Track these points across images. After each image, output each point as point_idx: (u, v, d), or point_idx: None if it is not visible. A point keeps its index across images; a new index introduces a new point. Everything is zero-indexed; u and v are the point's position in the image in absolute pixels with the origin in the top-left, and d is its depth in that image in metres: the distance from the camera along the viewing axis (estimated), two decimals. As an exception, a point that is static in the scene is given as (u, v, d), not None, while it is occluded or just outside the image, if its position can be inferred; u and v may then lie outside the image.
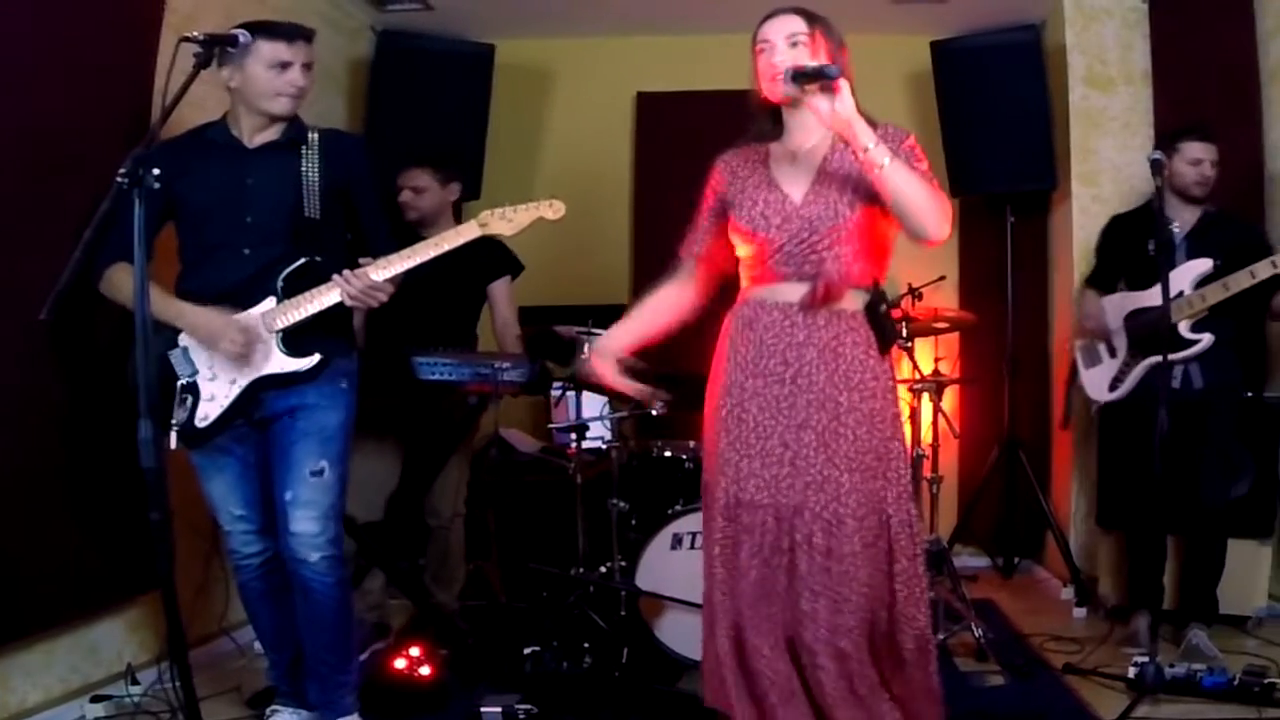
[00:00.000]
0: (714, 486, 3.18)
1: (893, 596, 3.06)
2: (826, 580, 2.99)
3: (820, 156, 3.16)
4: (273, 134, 3.84)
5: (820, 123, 2.99)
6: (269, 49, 3.66)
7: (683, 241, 3.50)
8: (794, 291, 3.12)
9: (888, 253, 3.24)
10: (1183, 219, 5.13)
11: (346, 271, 3.69)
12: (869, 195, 3.04)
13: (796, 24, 3.09)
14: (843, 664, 2.99)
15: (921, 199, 2.92)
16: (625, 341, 3.49)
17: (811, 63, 2.91)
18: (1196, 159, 5.05)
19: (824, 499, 3.02)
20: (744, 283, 3.30)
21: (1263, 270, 4.72)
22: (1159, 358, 4.88)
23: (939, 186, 3.02)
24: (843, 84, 2.84)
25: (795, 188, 3.15)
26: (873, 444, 3.08)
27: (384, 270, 3.74)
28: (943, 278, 6.36)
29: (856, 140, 2.87)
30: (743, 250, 3.24)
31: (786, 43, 3.05)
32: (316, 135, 3.91)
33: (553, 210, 3.83)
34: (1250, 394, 5.47)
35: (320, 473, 3.79)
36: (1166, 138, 5.21)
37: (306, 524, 3.76)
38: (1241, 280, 4.79)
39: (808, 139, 3.19)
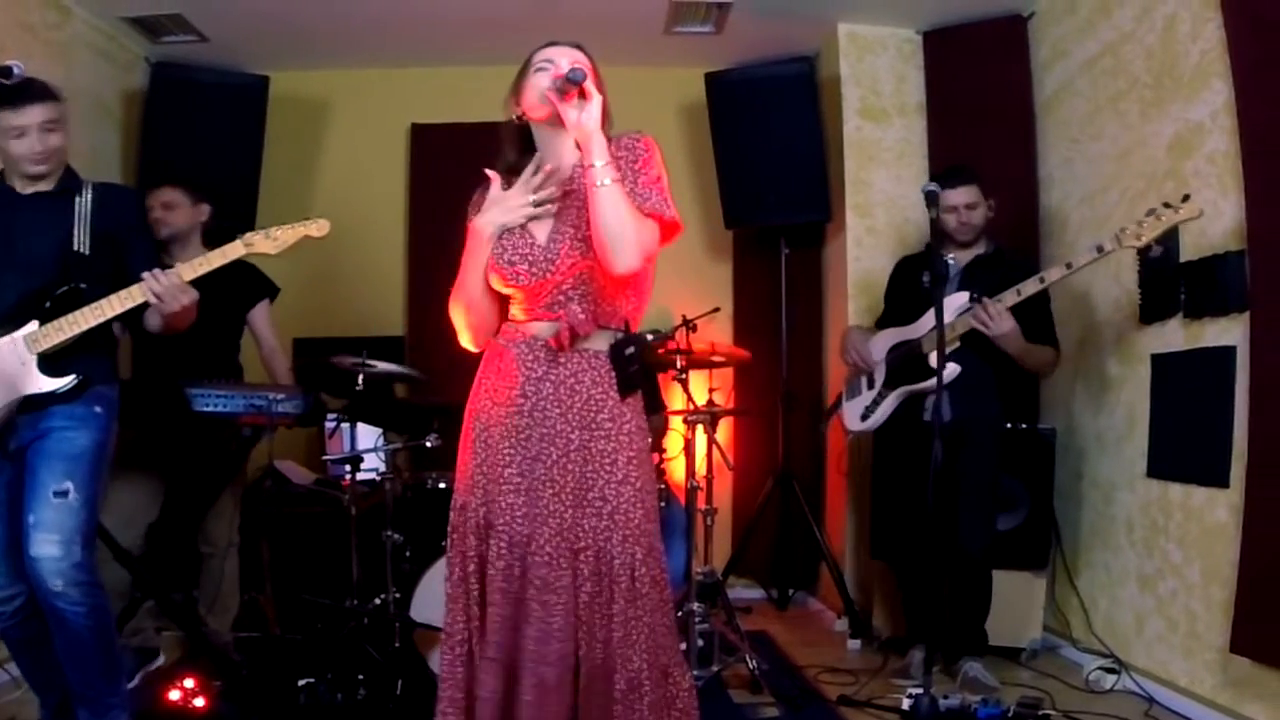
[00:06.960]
0: (467, 507, 3.34)
1: (609, 635, 3.20)
2: (540, 611, 3.16)
3: (563, 189, 3.32)
4: (46, 185, 4.04)
5: (567, 128, 3.16)
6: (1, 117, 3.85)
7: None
8: (544, 329, 3.25)
9: (642, 292, 3.40)
10: (958, 256, 5.40)
11: (156, 270, 3.88)
12: None
13: (580, 55, 3.32)
14: (543, 695, 3.15)
15: (624, 229, 3.06)
16: None
17: (577, 70, 3.08)
18: (952, 205, 5.33)
19: (548, 532, 3.16)
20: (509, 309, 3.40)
21: (1009, 298, 4.98)
22: (907, 388, 5.32)
23: (668, 203, 3.21)
24: (594, 97, 3.10)
25: (540, 226, 3.27)
26: (598, 484, 3.19)
27: (192, 271, 3.92)
28: (717, 309, 6.60)
29: (589, 153, 3.10)
30: (496, 285, 3.32)
31: (570, 65, 3.22)
32: (90, 188, 4.11)
33: (317, 228, 4.04)
34: (1024, 425, 5.84)
35: (64, 494, 3.83)
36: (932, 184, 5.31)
37: (48, 547, 3.78)
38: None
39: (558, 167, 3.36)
